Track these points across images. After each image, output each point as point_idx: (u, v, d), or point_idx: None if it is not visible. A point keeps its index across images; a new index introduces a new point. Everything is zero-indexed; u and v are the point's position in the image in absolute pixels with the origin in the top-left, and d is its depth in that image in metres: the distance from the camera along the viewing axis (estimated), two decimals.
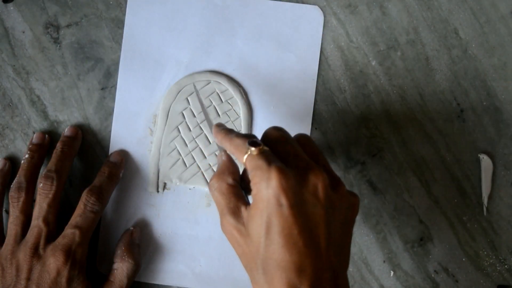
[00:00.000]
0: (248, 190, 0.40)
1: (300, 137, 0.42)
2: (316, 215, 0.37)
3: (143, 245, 0.49)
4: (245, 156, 0.38)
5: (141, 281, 0.50)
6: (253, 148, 0.38)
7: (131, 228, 0.49)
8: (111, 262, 0.48)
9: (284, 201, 0.36)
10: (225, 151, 0.42)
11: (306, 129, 0.50)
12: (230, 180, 0.40)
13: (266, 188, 0.36)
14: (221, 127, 0.43)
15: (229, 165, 0.41)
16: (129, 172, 0.50)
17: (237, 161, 0.42)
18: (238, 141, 0.40)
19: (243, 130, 0.49)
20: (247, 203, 0.39)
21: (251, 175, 0.38)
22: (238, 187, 0.40)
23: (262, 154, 0.38)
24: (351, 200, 0.40)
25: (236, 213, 0.39)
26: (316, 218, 0.37)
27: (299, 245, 0.36)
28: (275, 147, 0.40)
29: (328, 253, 0.37)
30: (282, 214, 0.36)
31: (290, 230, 0.36)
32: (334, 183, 0.39)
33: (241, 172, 0.41)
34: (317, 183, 0.37)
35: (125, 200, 0.50)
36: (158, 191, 0.50)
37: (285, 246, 0.36)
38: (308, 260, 0.36)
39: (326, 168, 0.41)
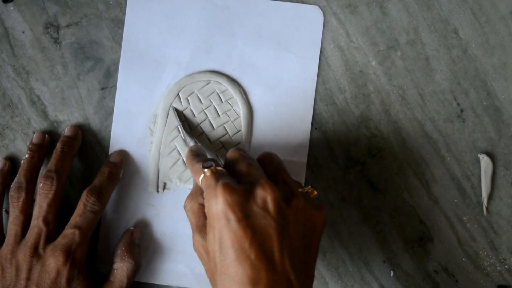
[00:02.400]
0: None
1: (263, 156, 0.44)
2: (267, 227, 0.38)
3: (143, 245, 0.49)
4: (201, 178, 0.40)
5: (141, 281, 0.50)
6: (205, 170, 0.40)
7: (131, 228, 0.49)
8: (111, 262, 0.48)
9: (231, 216, 0.37)
10: None
11: (306, 129, 0.50)
12: (201, 200, 0.42)
13: (215, 204, 0.38)
14: (192, 152, 0.45)
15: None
16: (129, 172, 0.50)
17: None
18: (197, 166, 0.42)
19: (243, 130, 0.49)
20: None
21: (204, 195, 0.39)
22: None
23: (213, 174, 0.40)
24: (311, 214, 0.40)
25: (202, 231, 0.40)
26: (267, 230, 0.37)
27: (251, 258, 0.37)
28: (231, 167, 0.42)
29: (284, 266, 0.37)
30: (231, 229, 0.37)
31: (240, 243, 0.37)
32: (289, 196, 0.40)
33: None
34: (266, 196, 0.38)
35: (125, 200, 0.50)
36: (158, 191, 0.50)
37: (237, 260, 0.37)
38: (261, 273, 0.37)
39: (285, 182, 0.41)
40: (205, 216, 0.40)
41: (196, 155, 0.44)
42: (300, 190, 0.42)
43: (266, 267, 0.37)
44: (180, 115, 0.49)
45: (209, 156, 0.48)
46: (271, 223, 0.38)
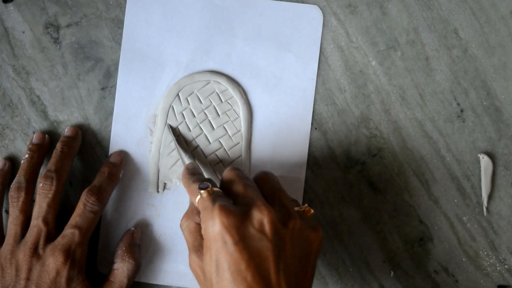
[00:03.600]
0: None
1: (259, 175, 0.44)
2: (263, 249, 0.38)
3: (143, 245, 0.49)
4: (197, 199, 0.41)
5: (141, 281, 0.50)
6: (202, 191, 0.40)
7: (132, 228, 0.49)
8: (111, 262, 0.47)
9: (228, 238, 0.37)
10: None
11: (306, 129, 0.50)
12: (198, 219, 0.42)
13: (212, 226, 0.38)
14: (188, 171, 0.45)
15: None
16: (129, 173, 0.50)
17: None
18: (193, 186, 0.42)
19: (243, 130, 0.49)
20: None
21: (201, 216, 0.40)
22: None
23: (210, 195, 0.40)
24: (308, 235, 0.40)
25: (199, 251, 0.41)
26: (264, 252, 0.38)
27: (247, 280, 0.37)
28: (228, 187, 0.42)
29: (280, 287, 0.37)
30: (228, 251, 0.37)
31: (237, 266, 0.37)
32: (286, 217, 0.40)
33: None
34: (262, 218, 0.38)
35: (125, 200, 0.50)
36: (158, 191, 0.50)
37: (234, 282, 0.37)
38: None
39: (282, 203, 0.41)
40: (201, 236, 0.41)
41: (192, 174, 0.44)
42: (296, 209, 0.42)
43: None
44: (175, 131, 0.49)
45: (205, 173, 0.48)
46: (267, 245, 0.38)
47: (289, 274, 0.38)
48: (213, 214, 0.38)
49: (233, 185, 0.42)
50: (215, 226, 0.38)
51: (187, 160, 0.48)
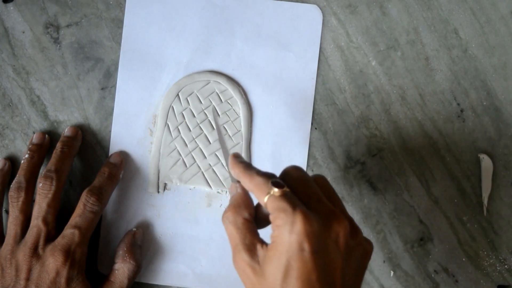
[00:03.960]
0: (260, 227, 0.39)
1: (317, 178, 0.41)
2: (334, 262, 0.37)
3: (144, 246, 0.49)
4: (267, 197, 0.38)
5: (142, 281, 0.49)
6: (276, 189, 0.37)
7: (134, 229, 0.49)
8: (112, 263, 0.47)
9: (306, 246, 0.36)
10: (240, 183, 0.41)
11: (306, 128, 0.50)
12: (246, 215, 0.39)
13: (290, 232, 0.36)
14: (239, 160, 0.41)
15: (245, 199, 0.40)
16: (129, 173, 0.50)
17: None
18: (260, 180, 0.38)
19: (243, 129, 0.49)
20: (262, 242, 0.38)
21: (272, 217, 0.37)
22: (253, 223, 0.39)
23: (285, 196, 0.37)
24: (366, 248, 0.40)
25: (251, 250, 0.38)
26: (334, 265, 0.37)
27: None
28: (296, 188, 0.39)
29: None
30: (303, 260, 0.36)
31: (308, 275, 0.36)
32: (353, 231, 0.39)
33: None
34: (340, 231, 0.37)
35: (126, 200, 0.50)
36: (158, 192, 0.50)
37: None
38: None
39: (345, 214, 0.40)
40: (252, 234, 0.38)
41: (249, 166, 0.41)
42: None
43: None
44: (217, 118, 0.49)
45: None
46: (338, 259, 0.37)
47: (349, 287, 0.38)
48: (294, 219, 0.36)
49: (302, 187, 0.39)
50: (294, 232, 0.36)
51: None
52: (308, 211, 0.37)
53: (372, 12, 0.50)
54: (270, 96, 0.50)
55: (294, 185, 0.39)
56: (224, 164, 0.50)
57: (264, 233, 0.39)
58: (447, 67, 0.50)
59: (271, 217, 0.37)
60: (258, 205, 0.40)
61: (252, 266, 0.38)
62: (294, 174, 0.40)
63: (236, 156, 0.42)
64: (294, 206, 0.36)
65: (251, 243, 0.38)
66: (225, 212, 0.40)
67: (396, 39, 0.50)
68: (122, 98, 0.50)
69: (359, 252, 0.39)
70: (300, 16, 0.50)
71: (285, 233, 0.36)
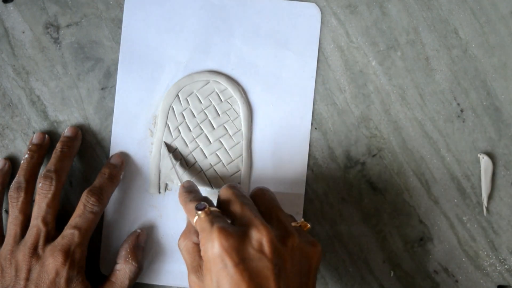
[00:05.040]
0: None
1: (256, 192, 0.45)
2: (264, 269, 0.38)
3: (146, 246, 0.49)
4: (195, 219, 0.40)
5: (144, 282, 0.49)
6: (199, 212, 0.40)
7: (138, 230, 0.49)
8: (114, 263, 0.47)
9: (228, 261, 0.37)
10: None
11: (306, 126, 0.50)
12: (195, 239, 0.42)
13: (211, 248, 0.38)
14: (184, 189, 0.45)
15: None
16: (130, 174, 0.50)
17: None
18: (191, 206, 0.42)
19: (243, 129, 0.49)
20: None
21: (199, 238, 0.40)
22: None
23: (207, 216, 0.40)
24: (306, 251, 0.41)
25: (198, 271, 0.41)
26: (264, 272, 0.38)
27: None
28: (225, 207, 0.42)
29: None
30: (228, 274, 0.37)
31: (238, 287, 0.37)
32: (284, 235, 0.40)
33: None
34: (261, 238, 0.39)
35: (127, 201, 0.50)
36: (159, 192, 0.50)
37: None
38: None
39: (279, 220, 0.42)
40: (200, 256, 0.41)
41: (189, 192, 0.44)
42: (293, 224, 0.42)
43: None
44: (171, 147, 0.49)
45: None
46: (267, 264, 0.38)
47: None
48: (212, 236, 0.38)
49: (230, 204, 0.42)
50: (214, 248, 0.38)
51: (184, 177, 0.48)
52: (226, 225, 0.39)
53: (372, 12, 0.50)
54: (270, 95, 0.50)
55: (222, 205, 0.43)
56: (225, 163, 0.50)
57: None
58: (447, 67, 0.50)
59: (199, 238, 0.40)
60: None
61: (199, 286, 0.40)
62: (223, 194, 0.43)
63: (184, 186, 0.45)
64: (212, 224, 0.39)
65: (198, 265, 0.41)
66: (179, 239, 0.43)
67: (396, 39, 0.50)
68: (122, 100, 0.50)
69: (295, 255, 0.40)
70: (298, 15, 0.50)
71: (208, 251, 0.38)
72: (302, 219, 0.43)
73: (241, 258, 0.38)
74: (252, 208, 0.41)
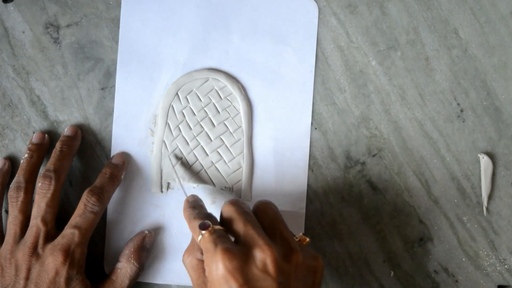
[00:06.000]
0: None
1: (258, 206, 0.44)
2: None
3: (151, 248, 0.49)
4: (199, 238, 0.40)
5: (147, 281, 0.49)
6: (203, 232, 0.40)
7: (146, 232, 0.49)
8: (116, 261, 0.47)
9: (232, 282, 0.37)
10: None
11: (306, 122, 0.50)
12: (199, 255, 0.42)
13: (215, 270, 0.38)
14: (189, 205, 0.45)
15: None
16: (132, 173, 0.50)
17: None
18: (195, 223, 0.41)
19: (244, 126, 0.49)
20: None
21: (204, 257, 0.40)
22: None
23: (211, 236, 0.40)
24: (310, 266, 0.41)
25: None
26: None
27: None
28: (228, 225, 0.42)
29: None
30: None
31: None
32: (287, 253, 0.40)
33: None
34: (265, 258, 0.38)
35: (130, 201, 0.50)
36: (162, 191, 0.50)
37: None
38: None
39: (283, 236, 0.42)
40: (204, 273, 0.41)
41: (193, 207, 0.44)
42: None
43: None
44: (177, 156, 0.49)
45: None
46: (272, 284, 0.38)
47: None
48: (216, 257, 0.38)
49: (233, 223, 0.42)
50: (218, 270, 0.38)
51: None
52: (230, 246, 0.39)
53: (372, 12, 0.50)
54: (269, 91, 0.50)
55: (224, 223, 0.42)
56: (226, 160, 0.50)
57: None
58: (447, 67, 0.50)
59: (204, 258, 0.40)
60: None
61: None
62: (224, 212, 0.43)
63: (188, 201, 0.45)
64: (215, 245, 0.39)
65: (203, 282, 0.41)
66: (183, 255, 0.43)
67: (396, 39, 0.50)
68: (121, 100, 0.50)
69: (299, 272, 0.40)
70: (295, 10, 0.50)
71: (212, 272, 0.38)
72: (301, 233, 0.43)
73: (245, 279, 0.38)
74: (255, 226, 0.41)
